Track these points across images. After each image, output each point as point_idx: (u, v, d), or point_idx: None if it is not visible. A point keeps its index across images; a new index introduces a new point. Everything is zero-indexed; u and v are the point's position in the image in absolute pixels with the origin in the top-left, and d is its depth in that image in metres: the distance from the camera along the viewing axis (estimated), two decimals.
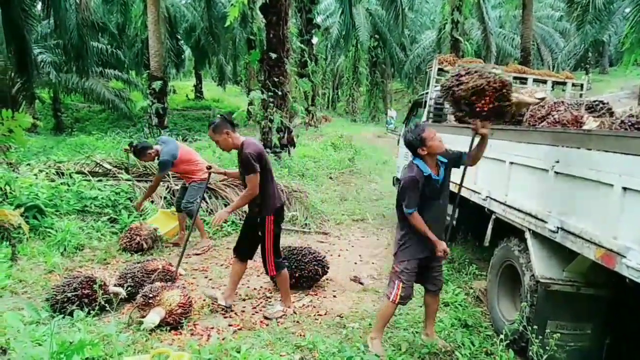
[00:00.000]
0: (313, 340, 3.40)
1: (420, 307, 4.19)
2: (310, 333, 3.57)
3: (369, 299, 4.42)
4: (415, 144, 3.13)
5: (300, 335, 3.61)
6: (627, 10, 16.37)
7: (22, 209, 5.23)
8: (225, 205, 6.99)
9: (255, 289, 4.64)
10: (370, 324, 3.81)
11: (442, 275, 3.59)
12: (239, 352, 3.19)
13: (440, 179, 3.18)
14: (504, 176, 3.78)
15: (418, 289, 4.58)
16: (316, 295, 4.50)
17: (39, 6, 12.98)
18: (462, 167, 3.34)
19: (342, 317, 4.02)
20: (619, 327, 3.15)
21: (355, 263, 5.56)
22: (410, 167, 3.18)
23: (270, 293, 4.51)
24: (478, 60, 6.85)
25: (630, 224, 2.35)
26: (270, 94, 10.22)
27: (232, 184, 7.28)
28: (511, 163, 3.69)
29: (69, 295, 3.72)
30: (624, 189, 2.38)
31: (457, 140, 5.01)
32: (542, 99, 4.18)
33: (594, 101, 3.32)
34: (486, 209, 4.11)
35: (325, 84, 37.43)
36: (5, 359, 2.56)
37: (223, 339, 3.51)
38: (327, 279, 4.86)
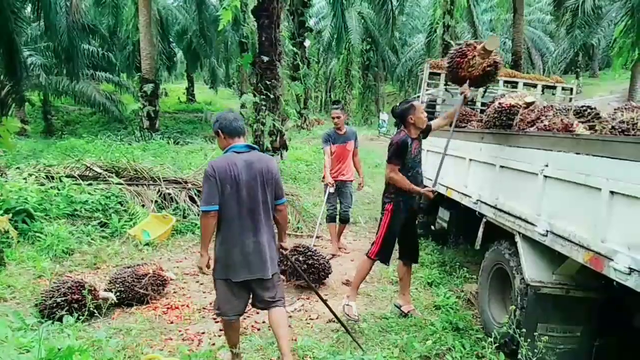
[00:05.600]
0: (304, 344, 3.40)
1: (415, 309, 4.20)
2: (302, 337, 3.56)
3: (360, 302, 4.42)
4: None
5: (292, 339, 3.60)
6: (614, 14, 16.57)
7: (11, 214, 5.19)
8: None
9: None
10: (359, 327, 3.82)
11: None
12: None
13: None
14: (494, 180, 3.81)
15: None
16: (308, 299, 4.50)
17: (29, 8, 12.89)
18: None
19: (334, 321, 4.01)
20: (608, 329, 3.17)
21: (352, 266, 5.55)
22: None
23: None
24: None
25: (617, 227, 2.38)
26: (262, 97, 10.20)
27: None
28: (501, 167, 3.71)
29: (58, 300, 3.69)
30: (612, 192, 2.40)
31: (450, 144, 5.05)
32: (532, 103, 4.20)
33: (582, 106, 3.35)
34: (477, 213, 4.13)
35: (317, 87, 37.48)
36: None
37: (214, 344, 3.49)
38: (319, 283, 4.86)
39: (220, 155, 2.98)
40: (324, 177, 5.94)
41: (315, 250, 4.91)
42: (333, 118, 5.79)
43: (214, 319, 4.00)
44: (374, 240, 4.00)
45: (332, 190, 5.86)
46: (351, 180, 6.01)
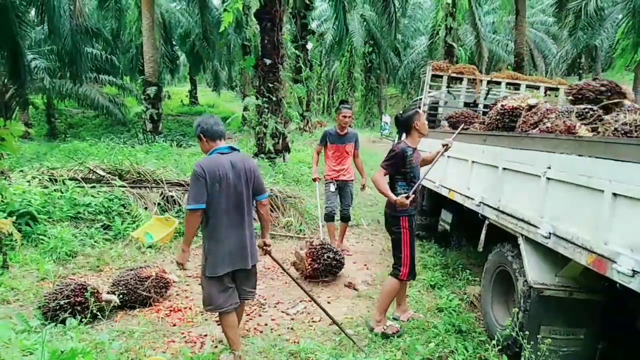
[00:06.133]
0: (307, 347, 3.39)
1: (416, 312, 4.19)
2: (304, 340, 3.56)
3: (363, 305, 4.42)
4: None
5: (294, 342, 3.60)
6: (619, 16, 16.55)
7: (15, 216, 5.21)
8: None
9: None
10: (364, 329, 3.81)
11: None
12: None
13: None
14: (497, 182, 3.80)
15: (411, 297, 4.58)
16: (310, 301, 4.49)
17: (33, 12, 12.97)
18: None
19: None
20: (612, 331, 3.16)
21: (354, 268, 5.55)
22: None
23: (265, 300, 4.50)
24: (471, 66, 6.89)
25: (620, 229, 2.36)
26: (264, 99, 10.24)
27: None
28: (504, 169, 3.71)
29: (61, 302, 3.70)
30: (614, 195, 2.39)
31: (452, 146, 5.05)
32: (534, 105, 4.20)
33: (584, 108, 3.35)
34: (479, 215, 4.12)
35: (320, 90, 37.52)
36: None
37: (216, 347, 3.49)
38: (321, 285, 4.86)
39: (207, 156, 3.13)
40: (320, 178, 5.92)
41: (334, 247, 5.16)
42: (345, 117, 5.70)
43: (217, 321, 4.00)
44: (400, 262, 3.74)
45: (333, 189, 5.86)
46: (352, 180, 5.99)
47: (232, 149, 3.21)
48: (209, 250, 3.07)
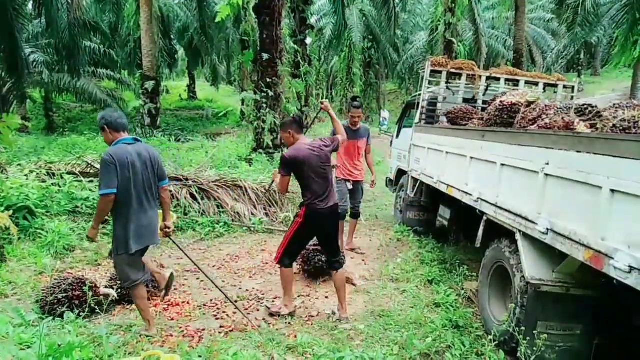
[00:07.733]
0: (304, 341, 3.40)
1: (412, 308, 4.21)
2: (302, 334, 3.57)
3: (360, 300, 4.43)
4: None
5: (292, 336, 3.61)
6: (615, 12, 16.53)
7: (12, 210, 5.20)
8: (218, 207, 6.96)
9: (247, 290, 4.64)
10: (360, 325, 3.82)
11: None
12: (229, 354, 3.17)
13: None
14: (495, 178, 3.80)
15: (420, 295, 4.59)
16: (308, 296, 4.50)
17: (30, 5, 12.88)
18: None
19: (334, 318, 4.01)
20: (608, 327, 3.17)
21: (352, 263, 5.55)
22: None
23: (263, 295, 4.51)
24: (471, 62, 6.87)
25: (618, 226, 2.37)
26: (263, 94, 10.22)
27: (225, 185, 7.26)
28: (502, 165, 3.71)
29: (59, 296, 3.71)
30: (612, 191, 2.39)
31: (449, 142, 5.06)
32: (533, 101, 4.20)
33: (583, 104, 3.34)
34: (477, 211, 4.12)
35: (319, 85, 37.33)
36: None
37: (214, 341, 3.50)
38: (320, 280, 4.87)
39: (113, 146, 3.33)
40: None
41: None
42: (353, 117, 5.58)
43: (215, 316, 4.02)
44: (340, 249, 4.17)
45: (350, 186, 5.75)
46: (363, 179, 5.93)
47: (136, 140, 3.46)
48: (120, 232, 3.30)
